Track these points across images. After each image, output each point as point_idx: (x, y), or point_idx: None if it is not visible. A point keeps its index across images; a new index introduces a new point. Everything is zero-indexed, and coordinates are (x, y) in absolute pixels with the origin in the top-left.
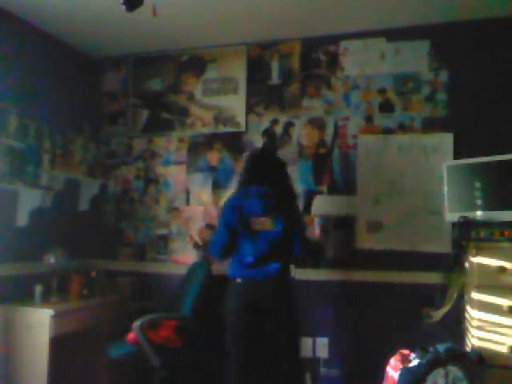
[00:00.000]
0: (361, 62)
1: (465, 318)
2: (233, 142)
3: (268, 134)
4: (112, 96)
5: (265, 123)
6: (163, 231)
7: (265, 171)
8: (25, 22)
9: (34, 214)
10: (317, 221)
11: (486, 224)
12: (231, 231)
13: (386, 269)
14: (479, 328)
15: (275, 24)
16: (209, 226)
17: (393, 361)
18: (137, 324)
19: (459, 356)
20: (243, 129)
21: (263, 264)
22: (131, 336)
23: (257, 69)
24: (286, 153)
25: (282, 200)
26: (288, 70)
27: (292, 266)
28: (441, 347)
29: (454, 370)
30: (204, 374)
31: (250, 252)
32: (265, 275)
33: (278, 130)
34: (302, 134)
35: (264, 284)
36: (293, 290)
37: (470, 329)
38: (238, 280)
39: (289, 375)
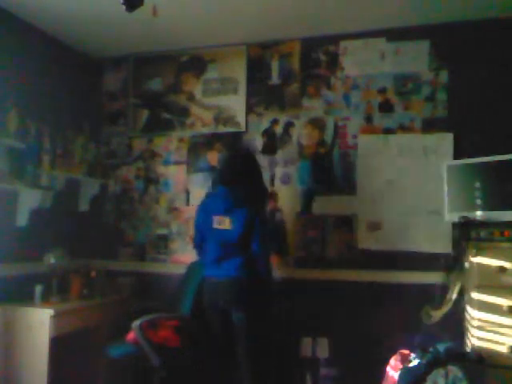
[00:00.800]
0: (361, 61)
1: (465, 317)
2: (233, 142)
3: (268, 133)
4: (112, 96)
5: (265, 123)
6: (163, 231)
7: (230, 172)
8: (25, 22)
9: (34, 213)
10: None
11: (485, 224)
12: (200, 231)
13: (386, 269)
14: (479, 328)
15: (275, 24)
16: None
17: (393, 361)
18: (136, 324)
19: (459, 356)
20: (243, 129)
21: (221, 262)
22: (131, 336)
23: (257, 69)
24: (286, 153)
25: (243, 199)
26: (288, 70)
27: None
28: (441, 347)
29: (454, 370)
30: (204, 373)
31: (211, 250)
32: (223, 274)
33: (278, 129)
34: (302, 134)
35: (221, 284)
36: (258, 290)
37: (470, 329)
38: (206, 279)
39: None
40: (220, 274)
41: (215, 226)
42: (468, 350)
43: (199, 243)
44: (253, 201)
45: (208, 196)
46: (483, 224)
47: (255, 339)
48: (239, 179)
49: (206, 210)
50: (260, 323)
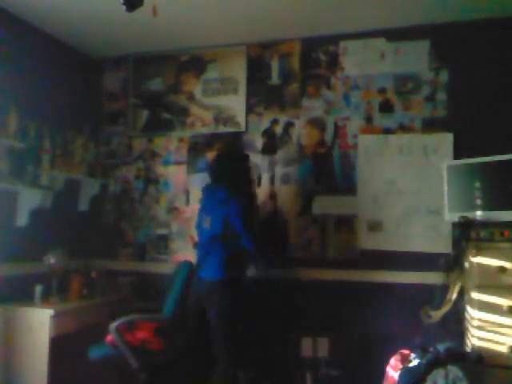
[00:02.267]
0: (361, 61)
1: (465, 317)
2: (231, 142)
3: (268, 133)
4: (112, 96)
5: (265, 123)
6: (163, 231)
7: (216, 171)
8: (25, 22)
9: (34, 214)
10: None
11: (486, 224)
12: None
13: (386, 269)
14: (479, 328)
15: (275, 24)
16: None
17: (393, 361)
18: (112, 326)
19: (459, 356)
20: (243, 129)
21: (202, 263)
22: (109, 338)
23: (257, 69)
24: (286, 153)
25: (222, 199)
26: (288, 70)
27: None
28: (441, 347)
29: (454, 370)
30: (187, 375)
31: (198, 250)
32: (203, 276)
33: (278, 130)
34: (302, 133)
35: (200, 283)
36: (233, 291)
37: (470, 329)
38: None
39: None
40: (201, 275)
41: (203, 225)
42: (468, 349)
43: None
44: (233, 200)
45: (202, 195)
46: (483, 224)
47: (228, 336)
48: (223, 179)
49: (201, 210)
50: (231, 320)
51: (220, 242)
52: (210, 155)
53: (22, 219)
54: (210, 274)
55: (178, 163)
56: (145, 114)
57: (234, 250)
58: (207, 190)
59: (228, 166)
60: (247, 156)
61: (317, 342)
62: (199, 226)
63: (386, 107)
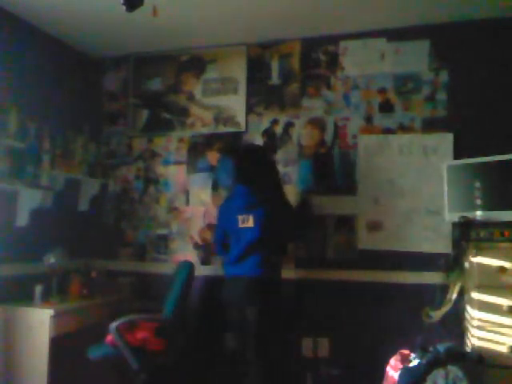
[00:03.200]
0: (361, 62)
1: (465, 318)
2: (233, 142)
3: (268, 133)
4: (112, 96)
5: (265, 123)
6: (163, 231)
7: (242, 170)
8: (25, 21)
9: (34, 214)
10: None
11: (485, 224)
12: (223, 231)
13: (386, 269)
14: (479, 328)
15: (275, 24)
16: (209, 226)
17: (393, 361)
18: (112, 326)
19: (459, 356)
20: (243, 129)
21: (243, 261)
22: (109, 338)
23: (257, 69)
24: (286, 153)
25: (261, 196)
26: (288, 70)
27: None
28: (441, 347)
29: (454, 370)
30: (187, 375)
31: (234, 249)
32: (242, 273)
33: (278, 130)
34: (302, 133)
35: (240, 282)
36: (274, 289)
37: (470, 329)
38: (225, 278)
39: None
40: (239, 273)
41: (240, 225)
42: (468, 349)
43: (221, 244)
44: (270, 196)
45: (228, 197)
46: (483, 224)
47: (265, 335)
48: (254, 176)
49: (229, 211)
50: (271, 320)
51: (264, 241)
52: (211, 154)
53: (22, 219)
54: (252, 271)
55: (178, 163)
56: (145, 114)
57: (275, 249)
58: (239, 190)
59: (256, 162)
60: (266, 148)
61: (317, 342)
62: (232, 226)
63: (386, 107)
